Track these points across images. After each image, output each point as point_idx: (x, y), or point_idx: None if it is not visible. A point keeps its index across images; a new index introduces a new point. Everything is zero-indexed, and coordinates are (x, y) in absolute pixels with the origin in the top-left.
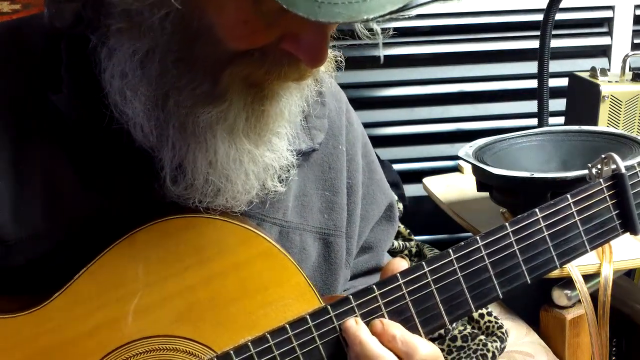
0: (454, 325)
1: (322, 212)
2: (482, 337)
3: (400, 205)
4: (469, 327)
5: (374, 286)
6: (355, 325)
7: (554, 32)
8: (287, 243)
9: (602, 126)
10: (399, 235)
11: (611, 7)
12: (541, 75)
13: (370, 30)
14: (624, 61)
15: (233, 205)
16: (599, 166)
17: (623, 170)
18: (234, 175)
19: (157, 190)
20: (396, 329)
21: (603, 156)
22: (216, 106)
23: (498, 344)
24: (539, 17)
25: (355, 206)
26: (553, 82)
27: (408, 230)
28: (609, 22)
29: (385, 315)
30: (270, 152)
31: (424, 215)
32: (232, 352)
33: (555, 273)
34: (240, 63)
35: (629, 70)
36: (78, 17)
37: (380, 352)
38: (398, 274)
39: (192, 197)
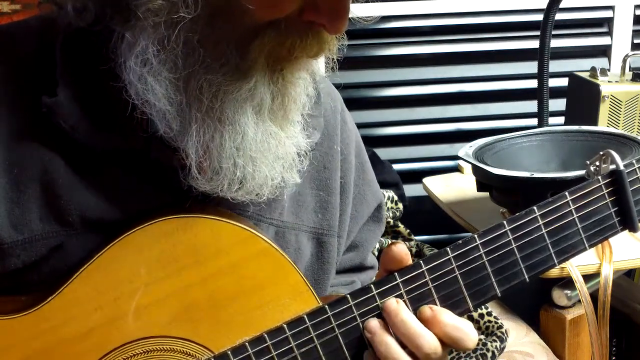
0: None
1: (316, 211)
2: (482, 337)
3: (400, 205)
4: None
5: (372, 285)
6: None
7: (554, 32)
8: (283, 243)
9: (602, 126)
10: (399, 235)
11: (611, 7)
12: (541, 75)
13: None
14: (624, 61)
15: (259, 195)
16: (597, 163)
17: (621, 167)
18: (260, 158)
19: (182, 182)
20: (446, 315)
21: (601, 153)
22: (244, 84)
23: (498, 343)
24: (539, 17)
25: (346, 206)
26: (553, 82)
27: (408, 230)
28: (609, 22)
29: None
30: (289, 139)
31: (424, 215)
32: (229, 352)
33: (555, 273)
34: (266, 35)
35: (629, 70)
36: (101, 13)
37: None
38: (396, 273)
39: (219, 185)
